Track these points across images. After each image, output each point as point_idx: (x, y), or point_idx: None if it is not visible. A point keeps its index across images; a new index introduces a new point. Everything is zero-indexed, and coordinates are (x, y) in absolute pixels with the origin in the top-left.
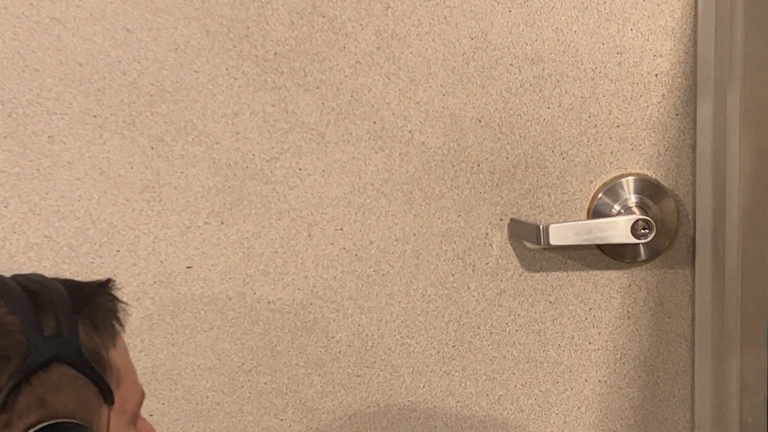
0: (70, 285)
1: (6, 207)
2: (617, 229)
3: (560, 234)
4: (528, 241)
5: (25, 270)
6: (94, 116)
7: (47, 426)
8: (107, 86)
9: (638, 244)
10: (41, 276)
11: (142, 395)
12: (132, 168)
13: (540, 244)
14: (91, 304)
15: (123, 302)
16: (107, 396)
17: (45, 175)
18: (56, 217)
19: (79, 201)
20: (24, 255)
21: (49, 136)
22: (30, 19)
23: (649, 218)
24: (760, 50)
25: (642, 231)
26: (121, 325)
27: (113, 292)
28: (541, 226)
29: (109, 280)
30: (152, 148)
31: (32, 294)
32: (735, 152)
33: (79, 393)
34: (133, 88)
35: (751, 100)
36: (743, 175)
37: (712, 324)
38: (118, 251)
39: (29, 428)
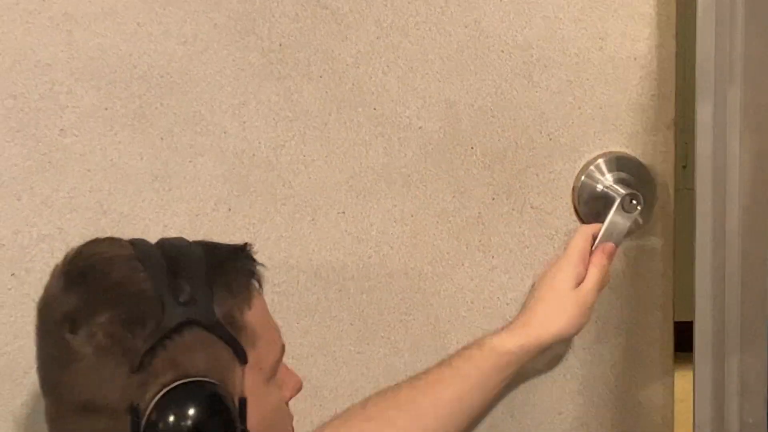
0: (209, 248)
1: (19, 200)
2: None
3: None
4: None
5: (37, 261)
6: (105, 109)
7: (181, 384)
8: (118, 79)
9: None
10: (182, 240)
11: (281, 351)
12: (142, 159)
13: None
14: (227, 268)
15: (261, 264)
16: (240, 356)
17: (57, 168)
18: (68, 209)
19: (90, 192)
20: (36, 247)
21: (60, 130)
22: (42, 15)
23: (636, 192)
24: (760, 50)
25: (632, 203)
26: (260, 285)
27: (249, 256)
28: None
29: (246, 245)
30: (162, 138)
31: (170, 260)
32: (735, 152)
33: (212, 354)
34: (143, 81)
35: (751, 100)
36: (743, 175)
37: (712, 324)
38: None
39: (164, 387)
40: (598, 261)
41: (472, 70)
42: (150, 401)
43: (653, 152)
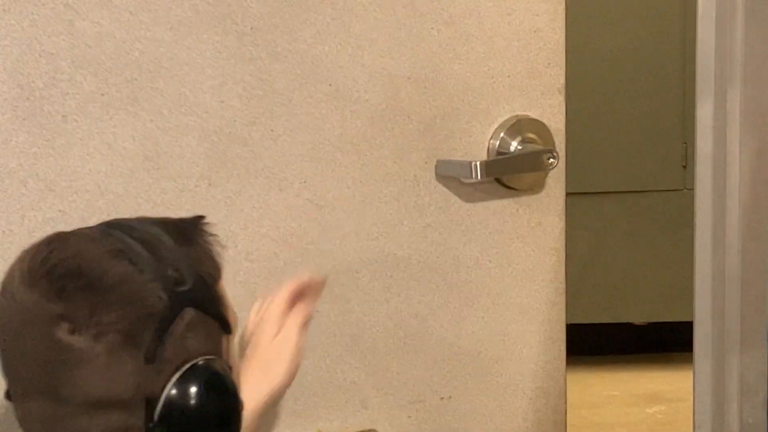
0: (167, 226)
1: (25, 186)
2: (531, 161)
3: (490, 168)
4: (461, 177)
5: None
6: (102, 94)
7: (191, 367)
8: (113, 65)
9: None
10: (138, 222)
11: (236, 316)
12: (135, 141)
13: (475, 178)
14: (194, 244)
15: (216, 236)
16: (226, 327)
17: (60, 153)
18: (69, 192)
19: (89, 175)
20: (41, 230)
21: (63, 116)
22: (45, 7)
23: (554, 150)
24: (760, 50)
25: (550, 161)
26: (219, 258)
27: (206, 228)
28: (473, 163)
29: (200, 217)
30: (151, 120)
31: (147, 247)
32: (735, 152)
33: (207, 330)
34: (136, 66)
35: (751, 100)
36: (743, 175)
37: (712, 324)
38: None
39: (176, 371)
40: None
41: (409, 46)
42: (163, 388)
43: (549, 114)
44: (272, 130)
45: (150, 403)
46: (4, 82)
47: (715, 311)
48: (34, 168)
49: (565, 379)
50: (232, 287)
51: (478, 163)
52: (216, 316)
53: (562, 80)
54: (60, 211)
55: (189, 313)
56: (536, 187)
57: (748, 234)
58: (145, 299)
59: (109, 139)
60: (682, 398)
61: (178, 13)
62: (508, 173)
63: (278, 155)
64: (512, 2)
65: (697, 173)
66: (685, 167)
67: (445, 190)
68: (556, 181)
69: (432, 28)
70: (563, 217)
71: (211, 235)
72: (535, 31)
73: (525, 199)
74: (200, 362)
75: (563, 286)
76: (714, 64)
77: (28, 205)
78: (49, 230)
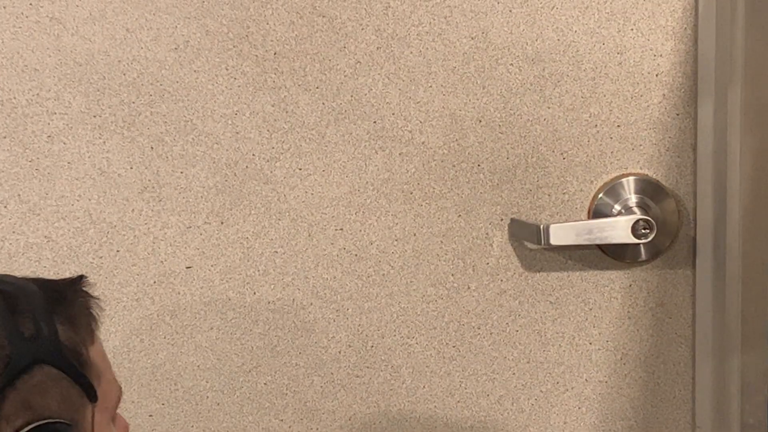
0: (43, 284)
1: (5, 207)
2: (618, 229)
3: (561, 234)
4: (528, 241)
5: (25, 270)
6: (94, 116)
7: (34, 428)
8: (107, 86)
9: (639, 244)
10: (12, 276)
11: (120, 391)
12: (132, 168)
13: (540, 244)
14: (66, 303)
15: (96, 298)
16: (90, 394)
17: (45, 175)
18: (56, 217)
19: (78, 201)
20: (23, 255)
21: (48, 136)
22: (29, 19)
23: (649, 218)
24: (760, 50)
25: (642, 231)
26: (96, 321)
27: (86, 289)
28: (541, 226)
29: (81, 277)
30: (152, 148)
31: (6, 296)
32: (735, 152)
33: (63, 392)
34: (133, 87)
35: (751, 100)
36: (744, 175)
37: (712, 324)
38: (118, 251)
39: (17, 430)
40: None
41: (479, 83)
42: None
43: (676, 175)
44: (300, 169)
45: None
46: None
47: (716, 311)
48: (15, 189)
49: None
50: (248, 337)
51: (549, 227)
52: (78, 380)
53: (695, 136)
54: (45, 236)
55: (40, 370)
56: (654, 259)
57: (748, 234)
58: None
59: (101, 164)
60: None
61: (184, 33)
62: (585, 242)
63: (307, 197)
64: (623, 39)
65: (697, 173)
66: None
67: (528, 253)
68: (685, 254)
69: (511, 64)
70: (693, 299)
71: (91, 297)
72: (656, 75)
73: (640, 273)
74: (47, 425)
75: (691, 383)
76: (714, 64)
77: (8, 227)
78: (33, 256)
